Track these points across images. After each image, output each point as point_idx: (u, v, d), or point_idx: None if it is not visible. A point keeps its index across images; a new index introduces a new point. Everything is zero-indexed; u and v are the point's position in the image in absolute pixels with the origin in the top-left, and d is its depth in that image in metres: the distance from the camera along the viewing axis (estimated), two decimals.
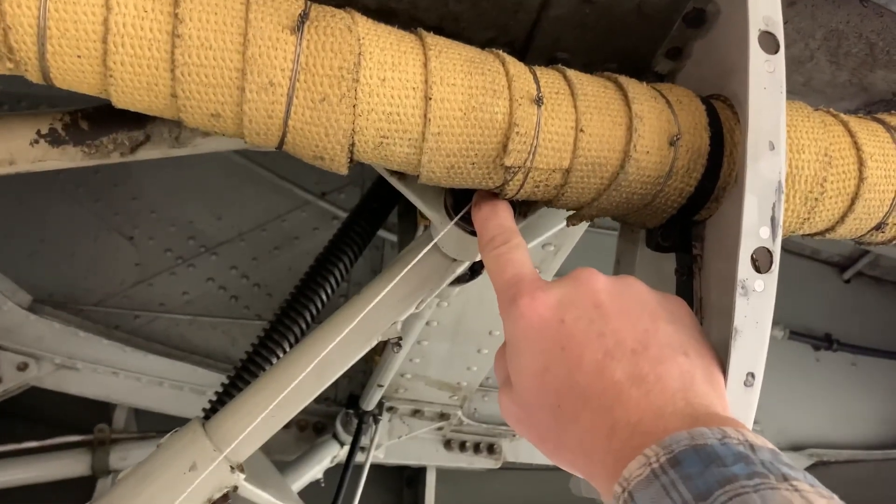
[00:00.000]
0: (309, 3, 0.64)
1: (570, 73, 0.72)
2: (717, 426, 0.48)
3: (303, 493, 1.58)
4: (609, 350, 0.56)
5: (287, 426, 1.62)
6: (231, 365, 1.68)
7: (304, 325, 1.15)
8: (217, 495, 0.78)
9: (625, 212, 0.76)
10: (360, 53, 0.63)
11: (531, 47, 0.88)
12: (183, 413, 1.65)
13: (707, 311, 0.69)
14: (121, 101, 0.62)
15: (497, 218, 0.72)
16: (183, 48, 0.59)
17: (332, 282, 1.17)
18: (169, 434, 0.81)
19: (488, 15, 0.84)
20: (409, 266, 0.79)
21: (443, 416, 1.71)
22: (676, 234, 0.75)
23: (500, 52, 0.71)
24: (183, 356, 1.69)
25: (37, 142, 0.70)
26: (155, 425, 1.71)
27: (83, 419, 1.65)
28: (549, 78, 0.70)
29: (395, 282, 0.81)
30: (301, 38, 0.61)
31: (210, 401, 1.14)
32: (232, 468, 0.78)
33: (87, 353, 1.57)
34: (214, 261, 1.94)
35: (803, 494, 0.42)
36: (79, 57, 0.58)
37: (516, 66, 0.69)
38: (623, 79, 0.73)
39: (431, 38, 0.67)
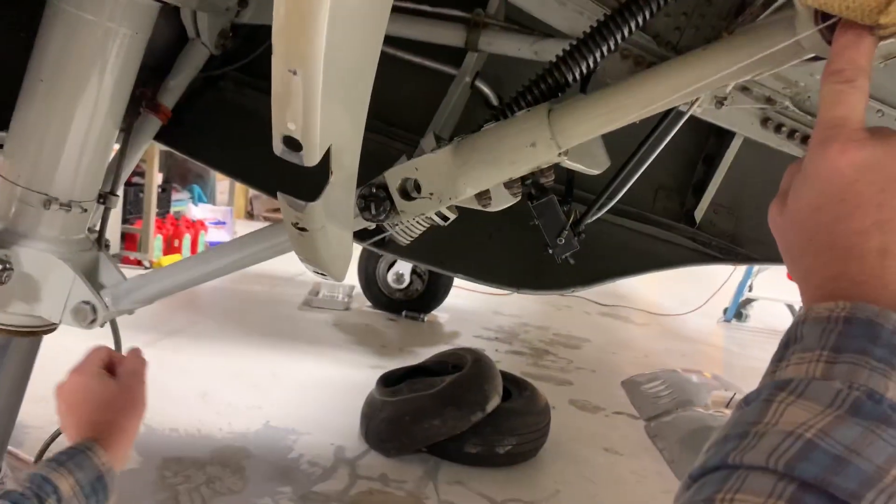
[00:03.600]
0: None
1: None
2: None
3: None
4: (879, 221, 0.64)
5: (625, 56, 1.79)
6: None
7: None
8: (544, 166, 1.06)
9: None
10: None
11: None
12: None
13: None
14: None
15: (855, 52, 0.72)
16: None
17: None
18: (522, 111, 1.06)
19: None
20: (766, 51, 0.85)
21: (769, 101, 1.72)
22: None
23: None
24: None
25: None
26: (521, 19, 1.96)
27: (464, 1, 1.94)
28: None
29: (746, 54, 0.88)
30: None
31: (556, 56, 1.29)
32: (560, 154, 1.03)
33: None
34: None
35: None
36: None
37: None
38: None
39: None
